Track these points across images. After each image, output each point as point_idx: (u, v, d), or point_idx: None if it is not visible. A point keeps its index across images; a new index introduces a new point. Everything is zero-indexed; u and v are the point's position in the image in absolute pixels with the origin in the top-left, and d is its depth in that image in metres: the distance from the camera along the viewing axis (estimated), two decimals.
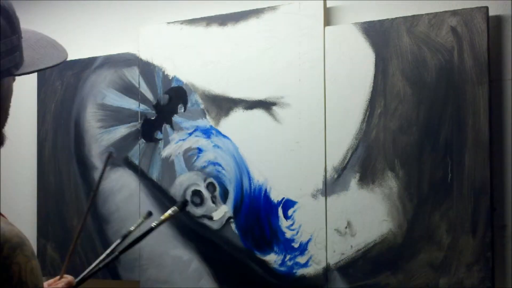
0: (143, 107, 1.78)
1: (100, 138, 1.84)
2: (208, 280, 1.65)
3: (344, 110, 1.50)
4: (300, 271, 1.53)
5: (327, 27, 1.54)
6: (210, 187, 1.67)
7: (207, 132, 1.68)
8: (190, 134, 1.70)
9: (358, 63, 1.49)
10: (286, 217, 1.55)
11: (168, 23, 1.76)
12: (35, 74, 1.78)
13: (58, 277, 1.24)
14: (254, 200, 1.60)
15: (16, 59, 0.84)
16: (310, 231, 1.52)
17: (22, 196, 1.98)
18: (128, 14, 1.89)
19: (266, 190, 1.58)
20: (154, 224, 1.33)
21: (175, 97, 1.73)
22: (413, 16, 1.44)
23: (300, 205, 1.54)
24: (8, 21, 0.82)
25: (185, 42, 1.72)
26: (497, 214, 1.38)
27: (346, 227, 1.49)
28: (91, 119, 1.86)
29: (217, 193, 1.65)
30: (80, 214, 1.86)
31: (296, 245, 1.54)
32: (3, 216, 0.76)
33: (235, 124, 1.63)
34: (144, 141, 1.77)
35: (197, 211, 1.68)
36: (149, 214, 1.40)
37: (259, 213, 1.59)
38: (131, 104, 1.79)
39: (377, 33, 1.47)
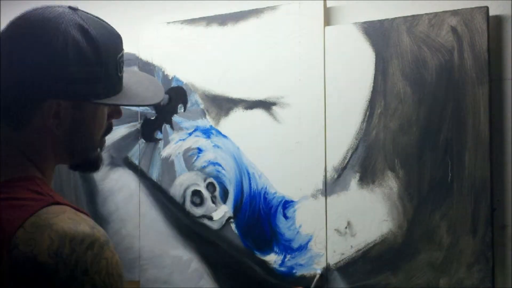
0: (143, 107, 1.78)
1: None
2: (208, 280, 1.65)
3: (344, 110, 1.50)
4: (300, 271, 1.53)
5: (327, 27, 1.54)
6: (210, 187, 1.67)
7: (207, 132, 1.68)
8: (190, 134, 1.70)
9: (358, 63, 1.49)
10: (286, 217, 1.55)
11: (168, 23, 1.75)
12: None
13: None
14: (254, 200, 1.60)
15: (98, 90, 0.88)
16: (310, 231, 1.52)
17: None
18: (128, 14, 1.89)
19: (266, 190, 1.58)
20: None
21: (175, 97, 1.73)
22: (413, 16, 1.44)
23: (300, 205, 1.54)
24: (95, 51, 0.87)
25: (185, 42, 1.72)
26: (497, 214, 1.38)
27: (346, 227, 1.49)
28: None
29: (217, 193, 1.65)
30: None
31: (296, 245, 1.54)
32: (87, 215, 0.85)
33: (235, 124, 1.63)
34: (144, 141, 1.77)
35: (197, 211, 1.68)
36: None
37: (259, 213, 1.59)
38: None
39: (377, 33, 1.47)
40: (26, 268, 0.76)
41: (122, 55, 0.94)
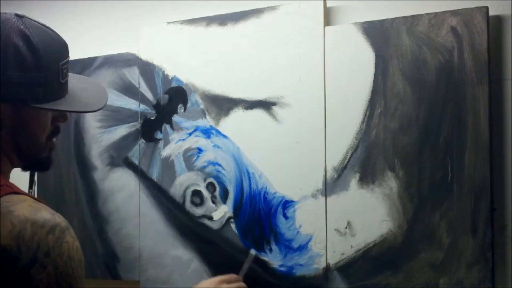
0: (143, 107, 1.78)
1: (100, 138, 1.84)
2: None
3: (344, 110, 1.50)
4: (300, 271, 1.53)
5: (327, 27, 1.54)
6: (210, 187, 1.67)
7: (207, 132, 1.68)
8: (190, 134, 1.70)
9: (358, 63, 1.49)
10: (286, 217, 1.55)
11: (168, 23, 1.76)
12: None
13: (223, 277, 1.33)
14: (254, 200, 1.60)
15: (37, 95, 0.92)
16: (310, 231, 1.52)
17: None
18: (128, 14, 1.89)
19: (266, 190, 1.58)
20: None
21: (175, 97, 1.73)
22: (413, 16, 1.44)
23: (300, 205, 1.54)
24: (35, 58, 0.91)
25: (185, 42, 1.72)
26: (497, 214, 1.38)
27: (346, 227, 1.49)
28: (91, 119, 1.86)
29: (217, 193, 1.66)
30: (80, 215, 1.87)
31: (296, 245, 1.54)
32: (45, 204, 0.88)
33: (235, 124, 1.63)
34: (144, 141, 1.77)
35: (197, 211, 1.68)
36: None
37: (259, 213, 1.59)
38: (131, 104, 1.79)
39: (377, 33, 1.47)
40: None
41: (67, 62, 0.97)
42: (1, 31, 0.89)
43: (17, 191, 0.87)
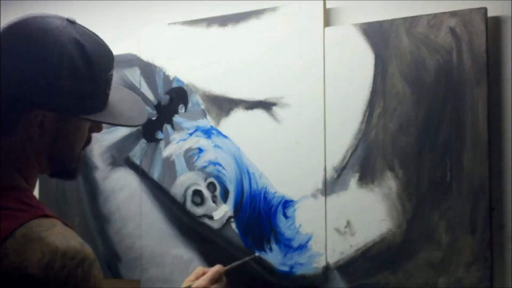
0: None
1: (102, 138, 1.85)
2: None
3: (344, 110, 1.51)
4: (299, 271, 1.54)
5: (326, 28, 1.55)
6: (211, 186, 1.67)
7: (207, 132, 1.69)
8: (191, 134, 1.71)
9: (357, 64, 1.50)
10: (286, 216, 1.56)
11: (169, 24, 1.76)
12: None
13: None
14: (254, 199, 1.61)
15: (86, 106, 0.89)
16: (310, 231, 1.53)
17: None
18: (129, 15, 1.90)
19: (266, 189, 1.59)
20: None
21: (176, 97, 1.74)
22: (412, 17, 1.45)
23: (300, 205, 1.55)
24: (88, 68, 0.87)
25: (186, 43, 1.73)
26: (496, 214, 1.38)
27: (345, 227, 1.49)
28: None
29: (217, 192, 1.66)
30: (81, 214, 1.87)
31: (295, 245, 1.55)
32: (72, 229, 0.85)
33: (235, 124, 1.64)
34: (145, 141, 1.78)
35: (198, 211, 1.69)
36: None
37: (259, 212, 1.60)
38: None
39: (376, 34, 1.48)
40: (14, 279, 0.76)
41: (112, 72, 0.95)
42: (56, 38, 0.86)
43: (47, 214, 0.84)
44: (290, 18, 1.58)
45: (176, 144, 1.73)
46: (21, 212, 0.81)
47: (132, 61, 1.81)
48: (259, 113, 1.61)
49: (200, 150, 1.70)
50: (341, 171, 1.50)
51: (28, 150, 0.90)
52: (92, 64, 0.89)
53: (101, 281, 0.84)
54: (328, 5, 1.58)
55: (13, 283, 0.76)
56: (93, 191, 1.86)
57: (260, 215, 1.60)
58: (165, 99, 1.75)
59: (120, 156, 1.82)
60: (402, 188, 1.44)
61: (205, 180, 1.68)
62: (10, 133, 0.88)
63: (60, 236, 0.80)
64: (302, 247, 1.54)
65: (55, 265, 0.77)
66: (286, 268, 1.56)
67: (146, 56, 1.79)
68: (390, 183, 1.45)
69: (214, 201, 1.67)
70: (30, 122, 0.87)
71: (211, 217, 1.67)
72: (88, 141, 1.01)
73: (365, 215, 1.47)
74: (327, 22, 1.57)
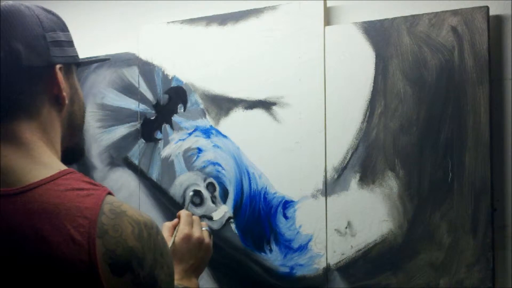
0: (142, 107, 1.77)
1: (100, 138, 1.84)
2: (208, 280, 1.65)
3: (344, 110, 1.50)
4: (300, 271, 1.53)
5: (327, 27, 1.53)
6: (210, 187, 1.66)
7: (207, 132, 1.68)
8: (190, 134, 1.70)
9: (358, 63, 1.49)
10: (286, 217, 1.55)
11: (168, 22, 1.75)
12: None
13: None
14: (254, 200, 1.60)
15: (75, 53, 0.94)
16: (310, 231, 1.52)
17: None
18: (128, 13, 1.89)
19: (266, 190, 1.58)
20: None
21: (175, 97, 1.73)
22: (414, 15, 1.44)
23: (300, 205, 1.54)
24: (59, 18, 0.95)
25: (185, 42, 1.72)
26: (497, 214, 1.37)
27: (346, 227, 1.49)
28: (91, 119, 1.86)
29: (217, 193, 1.65)
30: None
31: (296, 245, 1.54)
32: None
33: (235, 124, 1.63)
34: (144, 141, 1.77)
35: (197, 211, 1.68)
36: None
37: (259, 213, 1.59)
38: (131, 104, 1.79)
39: (377, 32, 1.47)
40: (118, 253, 0.77)
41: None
42: (26, 7, 0.89)
43: (111, 192, 0.86)
44: (290, 17, 1.57)
45: (175, 144, 1.72)
46: (93, 190, 0.82)
47: (130, 60, 1.80)
48: (259, 112, 1.60)
49: (200, 150, 1.69)
50: (342, 171, 1.49)
51: (56, 124, 0.90)
52: (56, 14, 0.94)
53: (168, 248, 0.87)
54: (329, 4, 1.57)
55: (118, 258, 0.77)
56: None
57: (260, 215, 1.59)
58: (164, 98, 1.74)
59: (118, 156, 1.81)
60: (403, 189, 1.43)
61: (205, 180, 1.67)
62: (39, 112, 0.88)
63: (133, 209, 0.83)
64: (303, 248, 1.53)
65: (144, 235, 0.79)
66: (286, 269, 1.55)
67: (145, 55, 1.78)
68: (391, 183, 1.44)
69: (213, 202, 1.66)
70: (53, 82, 0.88)
71: (210, 218, 1.66)
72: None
73: (366, 216, 1.46)
74: (327, 21, 1.56)
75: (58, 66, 0.88)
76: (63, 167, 0.86)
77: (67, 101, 0.90)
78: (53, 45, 0.88)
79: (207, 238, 1.24)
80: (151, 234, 0.80)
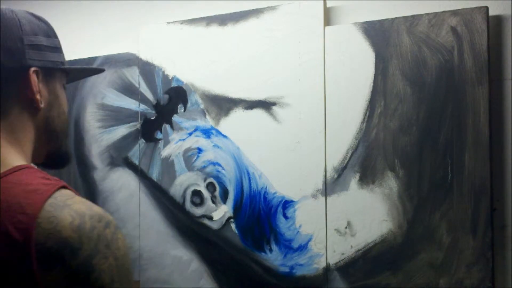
0: (143, 107, 1.78)
1: (100, 138, 1.84)
2: (208, 280, 1.65)
3: (344, 110, 1.50)
4: (300, 271, 1.53)
5: (327, 27, 1.54)
6: (210, 187, 1.66)
7: (207, 132, 1.68)
8: (190, 134, 1.70)
9: (358, 63, 1.49)
10: (286, 217, 1.55)
11: (168, 23, 1.75)
12: None
13: None
14: (254, 200, 1.60)
15: (62, 58, 0.93)
16: (310, 231, 1.52)
17: None
18: (128, 14, 1.89)
19: (266, 190, 1.58)
20: None
21: (175, 97, 1.73)
22: (413, 16, 1.44)
23: (300, 205, 1.54)
24: (46, 23, 0.94)
25: (185, 42, 1.72)
26: (497, 214, 1.38)
27: (346, 227, 1.49)
28: (91, 119, 1.86)
29: (217, 193, 1.65)
30: None
31: (296, 245, 1.54)
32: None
33: (235, 124, 1.63)
34: (144, 141, 1.77)
35: (197, 211, 1.68)
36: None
37: (259, 213, 1.59)
38: (131, 104, 1.79)
39: (377, 33, 1.47)
40: (50, 244, 0.77)
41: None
42: (12, 11, 0.90)
43: (65, 185, 0.87)
44: (290, 17, 1.57)
45: (175, 144, 1.72)
46: (43, 185, 0.83)
47: (131, 60, 1.80)
48: (259, 113, 1.60)
49: (200, 150, 1.69)
50: (342, 171, 1.50)
51: (28, 126, 0.90)
52: (45, 21, 0.94)
53: (126, 245, 0.87)
54: (329, 4, 1.57)
55: (50, 249, 0.77)
56: (91, 191, 1.85)
57: (260, 215, 1.59)
58: (164, 98, 1.74)
59: (118, 156, 1.81)
60: (403, 189, 1.43)
61: (205, 180, 1.67)
62: (9, 112, 0.89)
63: (83, 203, 0.83)
64: (302, 247, 1.53)
65: (86, 226, 0.80)
66: (286, 269, 1.55)
67: (145, 56, 1.78)
68: (391, 183, 1.44)
69: (213, 202, 1.66)
70: (26, 85, 0.88)
71: (210, 218, 1.66)
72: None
73: (365, 216, 1.46)
74: (327, 21, 1.56)
75: (32, 69, 0.88)
76: (19, 163, 0.87)
77: (42, 105, 0.90)
78: (30, 48, 0.88)
79: None
80: (96, 226, 0.80)
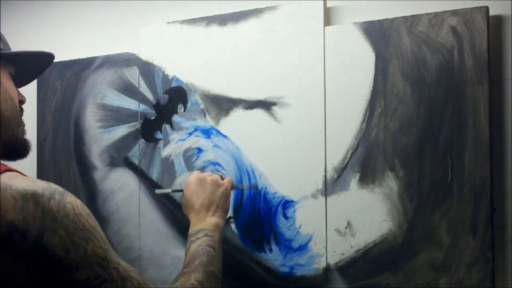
0: (143, 107, 1.78)
1: (100, 138, 1.84)
2: None
3: (344, 110, 1.50)
4: (300, 271, 1.53)
5: (327, 27, 1.54)
6: None
7: (207, 132, 1.68)
8: (190, 134, 1.70)
9: (358, 63, 1.49)
10: (286, 217, 1.55)
11: (168, 23, 1.75)
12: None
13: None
14: (253, 200, 1.60)
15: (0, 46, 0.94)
16: (310, 231, 1.52)
17: None
18: (128, 14, 1.89)
19: (266, 190, 1.58)
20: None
21: (175, 97, 1.73)
22: (413, 16, 1.44)
23: (300, 205, 1.54)
24: None
25: (185, 42, 1.72)
26: (497, 214, 1.38)
27: (346, 227, 1.49)
28: (91, 119, 1.86)
29: None
30: None
31: (296, 245, 1.54)
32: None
33: (235, 124, 1.63)
34: (144, 141, 1.77)
35: None
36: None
37: (259, 213, 1.59)
38: (131, 104, 1.79)
39: (377, 33, 1.47)
40: None
41: None
42: None
43: (9, 168, 0.87)
44: (290, 17, 1.57)
45: (175, 144, 1.72)
46: None
47: (130, 60, 1.80)
48: (259, 112, 1.60)
49: (200, 150, 1.69)
50: (342, 171, 1.50)
51: None
52: None
53: (79, 204, 0.88)
54: (329, 4, 1.57)
55: None
56: (91, 192, 1.85)
57: (259, 215, 1.59)
58: (164, 98, 1.75)
59: (118, 156, 1.81)
60: (403, 188, 1.43)
61: None
62: None
63: (25, 181, 0.84)
64: (302, 248, 1.53)
65: (29, 205, 0.80)
66: (286, 269, 1.55)
67: (145, 55, 1.78)
68: (391, 183, 1.44)
69: None
70: None
71: None
72: (21, 101, 1.02)
73: (365, 216, 1.46)
74: (327, 21, 1.56)
75: None
76: None
77: None
78: None
79: (215, 176, 1.33)
80: (38, 202, 0.81)
